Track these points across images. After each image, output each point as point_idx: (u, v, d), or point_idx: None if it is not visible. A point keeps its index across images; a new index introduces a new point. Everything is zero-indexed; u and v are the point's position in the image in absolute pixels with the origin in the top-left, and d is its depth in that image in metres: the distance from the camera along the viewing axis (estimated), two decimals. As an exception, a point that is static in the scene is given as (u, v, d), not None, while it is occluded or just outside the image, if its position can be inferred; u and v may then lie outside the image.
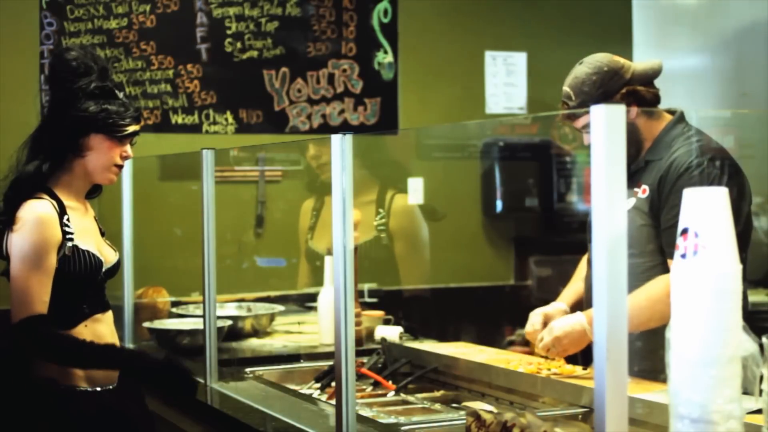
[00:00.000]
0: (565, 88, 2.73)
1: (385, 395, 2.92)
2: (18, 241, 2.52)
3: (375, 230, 4.23)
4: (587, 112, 2.59)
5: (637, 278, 2.55)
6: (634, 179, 2.70)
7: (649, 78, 2.72)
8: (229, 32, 4.76)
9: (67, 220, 2.58)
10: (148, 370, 2.57)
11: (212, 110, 4.74)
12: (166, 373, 2.55)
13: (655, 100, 2.73)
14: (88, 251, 2.60)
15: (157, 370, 2.56)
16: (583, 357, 2.79)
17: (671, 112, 2.77)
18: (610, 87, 2.67)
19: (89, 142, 2.61)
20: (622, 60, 2.72)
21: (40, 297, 2.50)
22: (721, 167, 2.58)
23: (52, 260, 2.53)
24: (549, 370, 2.75)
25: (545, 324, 2.76)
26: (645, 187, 2.68)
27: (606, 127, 1.50)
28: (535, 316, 2.81)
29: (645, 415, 2.25)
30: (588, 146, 2.58)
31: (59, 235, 2.54)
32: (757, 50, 4.75)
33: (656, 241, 2.64)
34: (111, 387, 2.66)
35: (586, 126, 2.65)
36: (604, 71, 2.68)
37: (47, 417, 2.55)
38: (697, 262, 1.56)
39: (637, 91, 2.68)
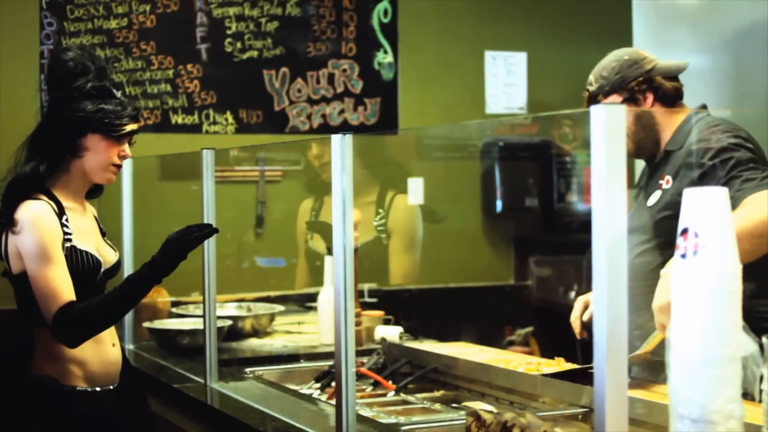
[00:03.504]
0: (589, 77, 2.81)
1: (385, 395, 2.92)
2: (24, 242, 2.50)
3: (375, 230, 4.23)
4: (604, 96, 2.70)
5: (653, 273, 2.50)
6: (657, 172, 2.75)
7: (671, 73, 2.78)
8: (229, 32, 4.76)
9: (66, 220, 2.58)
10: (172, 256, 2.49)
11: (212, 110, 4.74)
12: (182, 244, 2.49)
13: (677, 94, 2.79)
14: (85, 252, 2.59)
15: (176, 250, 2.49)
16: (583, 357, 2.78)
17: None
18: (628, 74, 2.74)
19: (86, 142, 2.60)
20: (646, 53, 2.79)
21: (65, 286, 2.48)
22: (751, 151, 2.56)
23: (61, 253, 2.52)
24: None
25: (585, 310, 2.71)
26: (668, 177, 2.68)
27: (606, 127, 1.49)
28: (578, 304, 2.75)
29: (645, 415, 2.25)
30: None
31: (60, 231, 2.53)
32: (757, 50, 4.74)
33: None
34: (111, 387, 2.66)
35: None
36: (624, 59, 2.77)
37: (47, 417, 2.55)
38: (697, 262, 1.56)
39: (653, 80, 2.74)
